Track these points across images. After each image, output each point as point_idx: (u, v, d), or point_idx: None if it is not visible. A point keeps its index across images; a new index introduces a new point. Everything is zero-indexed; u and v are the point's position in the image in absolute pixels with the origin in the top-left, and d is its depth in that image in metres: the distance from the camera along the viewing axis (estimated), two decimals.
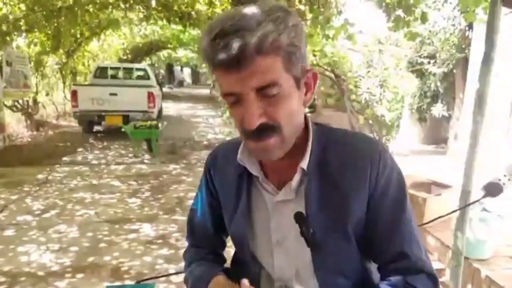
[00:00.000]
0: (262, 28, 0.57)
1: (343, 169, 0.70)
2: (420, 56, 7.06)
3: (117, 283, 2.45)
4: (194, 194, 4.06)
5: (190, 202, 4.08)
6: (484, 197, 1.46)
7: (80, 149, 7.13)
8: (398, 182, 0.72)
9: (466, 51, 6.30)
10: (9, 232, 3.39)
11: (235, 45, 0.56)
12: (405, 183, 0.73)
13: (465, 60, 6.29)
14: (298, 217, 0.70)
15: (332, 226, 0.70)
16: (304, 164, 0.70)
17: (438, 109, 6.97)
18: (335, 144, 0.72)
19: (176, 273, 2.67)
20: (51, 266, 2.81)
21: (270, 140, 0.64)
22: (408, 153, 6.91)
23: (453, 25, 6.45)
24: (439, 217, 1.55)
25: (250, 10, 0.59)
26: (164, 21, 8.72)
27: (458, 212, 1.87)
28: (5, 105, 7.66)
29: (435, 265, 2.82)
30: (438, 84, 6.94)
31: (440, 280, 2.56)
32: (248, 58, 0.57)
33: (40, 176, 5.18)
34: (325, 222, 0.70)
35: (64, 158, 6.32)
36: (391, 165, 0.71)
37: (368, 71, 7.29)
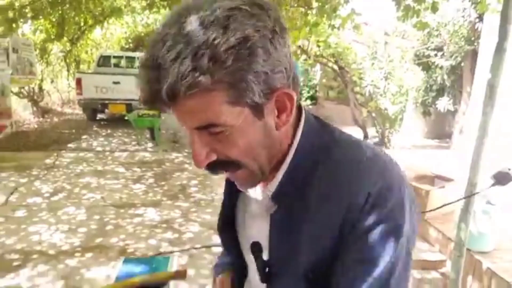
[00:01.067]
0: (177, 66, 0.43)
1: (323, 199, 0.54)
2: (427, 48, 7.01)
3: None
4: (196, 182, 4.17)
5: (193, 189, 4.18)
6: (493, 185, 1.48)
7: (84, 136, 7.20)
8: (390, 247, 0.51)
9: (475, 43, 6.25)
10: (20, 213, 3.47)
11: (152, 87, 0.46)
12: (404, 246, 0.53)
13: (474, 52, 6.24)
14: (254, 247, 0.62)
15: (290, 264, 0.58)
16: (272, 188, 0.59)
17: (443, 103, 6.94)
18: (328, 163, 0.56)
19: (188, 249, 2.73)
20: (61, 245, 2.89)
21: (236, 172, 0.55)
22: (411, 147, 6.92)
23: (463, 16, 6.39)
24: (445, 204, 1.57)
25: (177, 29, 0.45)
26: (167, 10, 8.66)
27: (462, 203, 1.89)
28: (12, 92, 7.70)
29: (436, 256, 2.87)
30: (445, 77, 6.89)
31: (440, 271, 2.59)
32: (165, 103, 0.46)
33: (47, 161, 5.27)
34: (284, 257, 0.59)
35: (70, 145, 6.40)
36: (388, 215, 0.51)
37: (373, 63, 7.25)
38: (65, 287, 2.35)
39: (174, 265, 0.92)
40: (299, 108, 0.59)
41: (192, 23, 0.45)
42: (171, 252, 2.84)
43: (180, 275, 0.87)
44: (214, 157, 0.52)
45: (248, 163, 0.54)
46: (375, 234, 0.51)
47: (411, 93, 7.39)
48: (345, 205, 0.52)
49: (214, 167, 0.54)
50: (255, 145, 0.53)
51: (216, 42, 0.44)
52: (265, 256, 0.62)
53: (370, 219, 0.51)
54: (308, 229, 0.55)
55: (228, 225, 0.70)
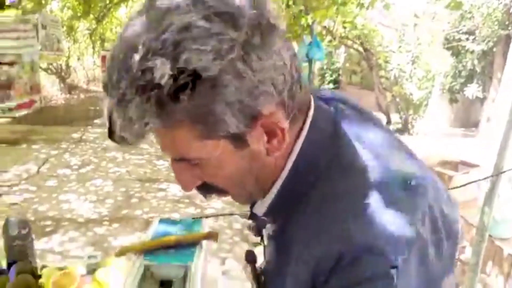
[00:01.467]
0: (122, 110, 0.38)
1: (302, 236, 0.47)
2: (458, 32, 6.72)
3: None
4: None
5: None
6: None
7: None
8: None
9: (510, 28, 5.96)
10: (51, 183, 3.68)
11: (108, 123, 0.41)
12: None
13: (508, 37, 5.96)
14: (248, 255, 0.61)
15: (278, 286, 0.53)
16: (259, 210, 0.53)
17: (472, 90, 6.69)
18: (316, 195, 0.46)
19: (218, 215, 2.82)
20: (90, 214, 3.06)
21: (226, 195, 0.51)
22: (435, 134, 6.76)
23: None
24: (469, 183, 1.56)
25: (122, 57, 0.38)
26: None
27: (487, 188, 1.86)
28: (41, 68, 7.95)
29: None
30: (475, 62, 6.62)
31: (459, 257, 2.57)
32: (128, 143, 0.41)
33: (75, 135, 5.52)
34: (273, 277, 0.55)
35: (96, 121, 6.62)
36: (360, 284, 0.41)
37: (400, 46, 7.03)
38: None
39: (206, 228, 0.98)
40: (309, 104, 0.49)
41: (139, 51, 0.36)
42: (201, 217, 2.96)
43: (213, 236, 0.92)
44: (198, 182, 0.48)
45: (233, 191, 0.50)
46: None
47: (438, 79, 7.16)
48: (317, 256, 0.43)
49: (202, 190, 0.50)
50: (239, 174, 0.47)
51: (163, 82, 0.36)
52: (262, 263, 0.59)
53: (338, 283, 0.42)
54: (291, 261, 0.48)
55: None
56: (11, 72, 6.09)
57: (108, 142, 5.27)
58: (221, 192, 0.50)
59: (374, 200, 0.43)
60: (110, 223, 2.91)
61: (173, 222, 1.02)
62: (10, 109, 6.01)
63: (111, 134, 0.41)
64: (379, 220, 0.42)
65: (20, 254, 1.01)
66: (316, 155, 0.48)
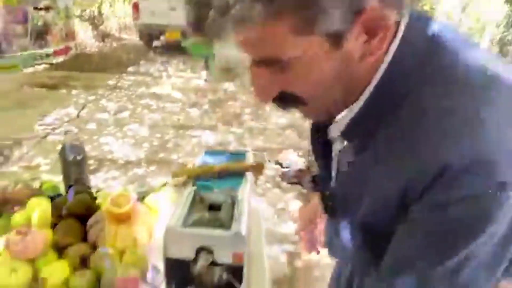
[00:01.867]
0: None
1: (393, 152, 0.43)
2: None
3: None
4: (249, 110, 4.30)
5: (246, 117, 4.31)
6: None
7: (142, 62, 7.46)
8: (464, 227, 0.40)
9: None
10: (91, 126, 3.86)
11: (194, 14, 0.39)
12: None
13: None
14: (315, 179, 0.62)
15: (350, 208, 0.52)
16: (336, 130, 0.51)
17: None
18: (412, 108, 0.42)
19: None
20: (129, 156, 3.21)
21: (303, 108, 0.48)
22: None
23: None
24: None
25: None
26: None
27: None
28: (74, 15, 7.99)
29: None
30: None
31: None
32: (219, 32, 0.38)
33: (110, 82, 5.64)
34: (345, 200, 0.54)
35: (129, 69, 6.71)
36: (469, 202, 0.38)
37: None
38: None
39: (251, 159, 0.99)
40: (402, 7, 0.43)
41: None
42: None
43: (258, 167, 0.93)
44: (276, 92, 0.45)
45: (317, 100, 0.45)
46: (443, 217, 0.40)
47: (488, 29, 6.55)
48: (411, 171, 0.40)
49: (280, 102, 0.47)
50: (327, 79, 0.43)
51: None
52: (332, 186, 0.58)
53: (436, 199, 0.39)
54: (373, 179, 0.46)
55: (318, 130, 0.60)
56: (47, 18, 6.17)
57: (142, 90, 5.41)
58: (297, 103, 0.46)
59: (484, 111, 0.38)
60: (148, 166, 3.05)
61: (219, 153, 1.03)
62: (47, 55, 6.19)
63: (199, 24, 0.38)
64: (493, 133, 0.38)
65: (77, 179, 1.07)
66: (410, 64, 0.42)
